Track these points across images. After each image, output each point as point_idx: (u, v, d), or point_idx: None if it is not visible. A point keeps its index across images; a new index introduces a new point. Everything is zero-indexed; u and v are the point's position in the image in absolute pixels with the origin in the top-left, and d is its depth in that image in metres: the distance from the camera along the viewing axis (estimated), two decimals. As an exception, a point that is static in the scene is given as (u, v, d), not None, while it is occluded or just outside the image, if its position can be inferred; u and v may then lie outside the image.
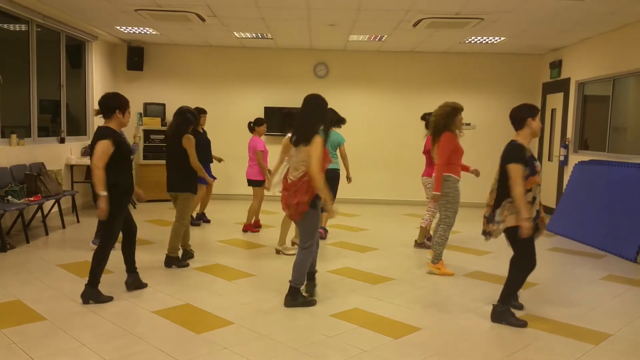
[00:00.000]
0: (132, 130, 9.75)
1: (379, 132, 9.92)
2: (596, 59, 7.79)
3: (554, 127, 9.22)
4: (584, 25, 7.17)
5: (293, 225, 5.74)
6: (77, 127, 8.66)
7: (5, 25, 6.84)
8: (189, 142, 5.09)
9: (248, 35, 8.52)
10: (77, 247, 5.93)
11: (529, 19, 6.85)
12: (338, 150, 6.49)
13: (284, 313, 4.04)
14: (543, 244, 6.76)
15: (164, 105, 9.64)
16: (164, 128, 9.33)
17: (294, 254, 5.16)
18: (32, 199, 6.15)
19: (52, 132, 7.86)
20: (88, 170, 8.47)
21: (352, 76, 9.88)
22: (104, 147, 3.99)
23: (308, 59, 9.84)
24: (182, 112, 5.19)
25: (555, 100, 9.15)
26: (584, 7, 6.18)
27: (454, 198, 5.15)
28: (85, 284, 4.15)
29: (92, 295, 4.13)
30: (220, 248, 6.10)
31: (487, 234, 4.00)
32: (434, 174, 5.12)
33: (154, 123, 9.36)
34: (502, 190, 3.87)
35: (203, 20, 7.40)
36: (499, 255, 6.05)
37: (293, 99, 9.91)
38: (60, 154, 7.77)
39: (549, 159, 9.30)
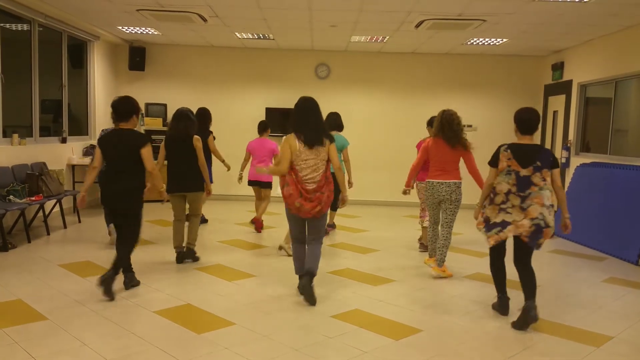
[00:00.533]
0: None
1: (379, 133, 9.92)
2: (598, 61, 7.78)
3: (555, 129, 9.21)
4: (586, 27, 7.17)
5: (285, 231, 5.68)
6: (78, 127, 8.67)
7: (8, 25, 6.85)
8: (199, 143, 5.29)
9: (250, 35, 8.53)
10: (78, 247, 5.94)
11: (531, 20, 6.85)
12: (341, 154, 6.59)
13: (284, 314, 4.04)
14: (544, 247, 6.75)
15: (165, 105, 9.65)
16: (166, 128, 9.35)
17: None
18: (33, 198, 6.15)
19: (54, 132, 7.87)
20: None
21: (353, 77, 9.88)
22: (151, 151, 4.33)
23: (309, 60, 9.84)
24: (188, 116, 5.33)
25: (557, 102, 9.14)
26: (586, 9, 6.18)
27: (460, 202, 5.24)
28: (123, 273, 4.47)
29: (133, 279, 4.53)
30: (221, 248, 6.10)
31: (539, 241, 3.88)
32: (457, 180, 5.14)
33: (156, 123, 9.37)
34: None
35: (205, 20, 7.41)
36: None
37: (294, 100, 9.82)
38: (62, 154, 7.78)
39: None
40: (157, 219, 7.83)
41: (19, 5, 6.47)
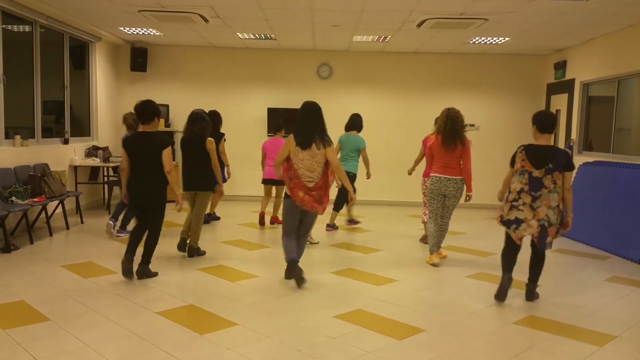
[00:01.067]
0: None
1: (382, 132, 9.90)
2: (601, 60, 7.76)
3: (558, 128, 9.18)
4: (588, 26, 7.15)
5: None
6: (80, 128, 8.68)
7: (9, 26, 6.86)
8: (212, 145, 5.56)
9: (251, 36, 8.53)
10: (80, 248, 5.95)
11: (533, 19, 6.83)
12: (359, 154, 7.01)
13: (287, 314, 4.03)
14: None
15: (167, 106, 9.65)
16: (168, 129, 9.37)
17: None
18: (35, 199, 6.16)
19: (56, 133, 7.88)
20: (92, 171, 8.50)
21: (355, 77, 9.87)
22: (171, 153, 4.61)
23: (311, 60, 9.83)
24: (202, 117, 5.61)
25: (559, 101, 9.11)
26: (588, 8, 6.16)
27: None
28: (140, 264, 4.75)
29: (147, 272, 4.78)
30: (224, 249, 6.10)
31: (547, 240, 4.21)
32: (464, 176, 5.43)
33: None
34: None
35: (206, 21, 7.41)
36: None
37: (296, 100, 9.84)
38: (64, 155, 7.79)
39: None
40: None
41: (21, 6, 6.48)
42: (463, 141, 5.35)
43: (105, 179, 8.57)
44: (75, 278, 4.80)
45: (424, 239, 6.71)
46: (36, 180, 6.36)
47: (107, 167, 8.40)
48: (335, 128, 7.83)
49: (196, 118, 5.59)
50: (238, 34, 8.35)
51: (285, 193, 4.70)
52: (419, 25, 7.30)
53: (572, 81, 8.55)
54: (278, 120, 8.02)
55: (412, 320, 3.95)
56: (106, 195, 8.74)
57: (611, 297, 4.67)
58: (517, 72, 9.75)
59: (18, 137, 6.59)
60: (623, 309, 4.36)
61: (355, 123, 7.10)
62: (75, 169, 8.03)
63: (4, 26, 6.44)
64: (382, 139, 9.89)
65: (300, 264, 4.71)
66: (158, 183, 4.63)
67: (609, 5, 5.98)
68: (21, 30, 7.03)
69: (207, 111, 7.10)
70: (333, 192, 6.72)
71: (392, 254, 6.10)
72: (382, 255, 6.05)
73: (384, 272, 5.27)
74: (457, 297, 4.59)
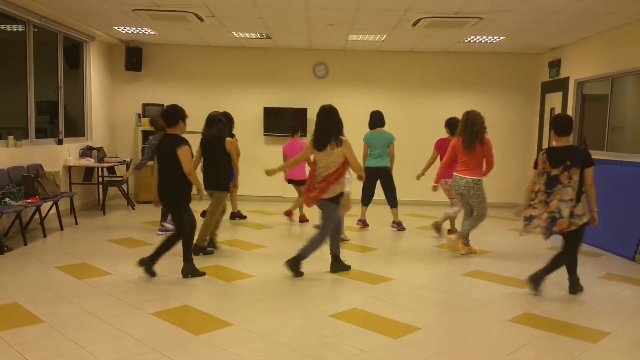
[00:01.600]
0: (130, 132, 9.75)
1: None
2: (595, 58, 7.78)
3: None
4: (582, 25, 7.17)
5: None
6: (75, 129, 8.64)
7: (2, 26, 6.82)
8: (232, 146, 5.78)
9: (247, 35, 8.51)
10: (75, 249, 5.92)
11: (527, 18, 6.84)
12: (388, 148, 7.24)
13: (283, 314, 4.03)
14: (542, 243, 6.76)
15: (162, 106, 9.59)
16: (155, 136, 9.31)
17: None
18: (29, 200, 6.12)
19: (50, 134, 7.84)
20: (86, 171, 8.46)
21: (351, 76, 9.86)
22: (189, 153, 4.75)
23: (307, 59, 9.82)
24: (220, 119, 5.77)
25: (554, 100, 9.14)
26: (582, 7, 6.17)
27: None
28: (184, 263, 4.88)
29: (192, 269, 4.89)
30: (219, 248, 6.08)
31: (551, 229, 4.46)
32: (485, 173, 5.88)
33: (153, 124, 9.32)
34: (580, 189, 4.40)
35: (201, 20, 7.38)
36: (497, 255, 6.04)
37: (292, 99, 9.91)
38: (58, 156, 7.75)
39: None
40: (156, 220, 7.81)
41: (14, 6, 6.44)
42: (482, 142, 5.73)
43: (100, 179, 8.54)
44: (69, 279, 4.78)
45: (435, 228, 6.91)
46: (30, 181, 6.33)
47: (102, 168, 8.37)
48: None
49: (214, 120, 5.77)
50: (233, 33, 8.33)
51: (336, 198, 4.96)
52: (414, 24, 7.31)
53: (567, 79, 8.57)
54: (292, 122, 8.13)
55: (408, 319, 3.95)
56: (101, 196, 8.71)
57: (605, 294, 4.68)
58: (512, 70, 9.77)
59: (11, 137, 6.55)
60: (617, 306, 4.38)
61: (380, 119, 7.31)
62: (69, 169, 7.99)
63: (-4, 26, 6.40)
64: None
65: (299, 263, 4.95)
66: (177, 183, 4.77)
67: (604, 3, 5.99)
68: (14, 30, 6.99)
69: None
70: (357, 189, 6.92)
71: (388, 253, 6.10)
72: (378, 253, 6.05)
73: (380, 271, 5.27)
74: (453, 296, 4.59)
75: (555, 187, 4.39)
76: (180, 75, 9.83)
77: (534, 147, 9.81)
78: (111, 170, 8.85)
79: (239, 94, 9.90)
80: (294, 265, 4.96)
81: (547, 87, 9.40)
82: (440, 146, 6.86)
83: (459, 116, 6.08)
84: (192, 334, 3.58)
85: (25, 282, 4.67)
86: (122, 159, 8.87)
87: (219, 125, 5.75)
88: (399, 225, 7.43)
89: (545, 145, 9.49)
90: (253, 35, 8.54)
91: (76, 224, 7.31)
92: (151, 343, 3.41)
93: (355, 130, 9.08)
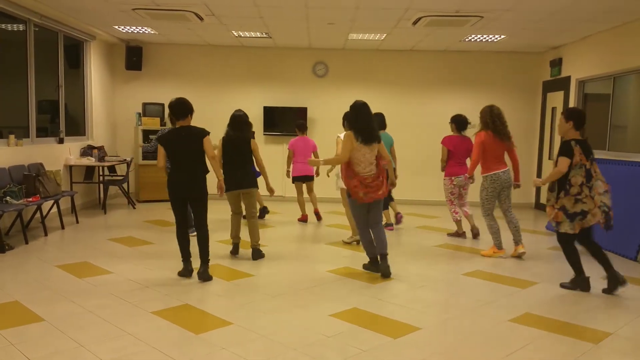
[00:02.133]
0: (131, 131, 9.75)
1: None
2: (596, 57, 7.76)
3: (554, 125, 9.19)
4: (584, 23, 7.15)
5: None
6: (75, 127, 8.65)
7: (3, 25, 6.82)
8: (257, 146, 5.77)
9: (247, 34, 8.50)
10: (75, 248, 5.92)
11: (528, 17, 6.83)
12: (390, 150, 7.13)
13: (282, 313, 4.03)
14: (543, 243, 6.75)
15: (162, 105, 9.59)
16: (163, 128, 9.31)
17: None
18: (30, 199, 6.13)
19: (51, 133, 7.85)
20: (87, 170, 8.47)
21: (351, 75, 9.85)
22: (211, 142, 4.77)
23: (307, 58, 9.81)
24: (247, 121, 5.77)
25: (555, 99, 9.12)
26: (583, 5, 6.16)
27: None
28: (201, 264, 4.79)
29: (206, 274, 4.82)
30: (219, 248, 6.07)
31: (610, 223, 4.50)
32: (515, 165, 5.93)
33: (153, 123, 9.29)
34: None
35: (201, 19, 7.38)
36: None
37: (292, 98, 9.90)
38: (59, 155, 7.76)
39: (549, 158, 9.28)
40: (157, 219, 7.81)
41: (14, 5, 6.44)
42: (509, 137, 5.83)
43: (101, 178, 8.54)
44: (70, 278, 4.78)
45: (455, 234, 6.91)
46: (31, 180, 6.33)
47: (103, 167, 8.37)
48: (333, 126, 7.86)
49: (243, 122, 5.74)
50: (233, 32, 8.32)
51: (348, 193, 4.98)
52: (415, 23, 7.29)
53: (568, 79, 8.55)
54: (300, 120, 8.11)
55: (408, 319, 3.95)
56: (101, 195, 8.71)
57: (607, 295, 4.67)
58: (513, 69, 9.75)
59: (12, 136, 6.55)
60: (618, 306, 4.37)
61: (382, 122, 7.11)
62: (70, 168, 8.00)
63: (-3, 25, 6.41)
64: (378, 137, 9.87)
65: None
66: (200, 172, 4.77)
67: (605, 2, 5.98)
68: (15, 29, 6.99)
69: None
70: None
71: (389, 252, 6.08)
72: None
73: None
74: (452, 296, 4.59)
75: (591, 181, 4.47)
76: (181, 74, 9.83)
77: (535, 147, 9.80)
78: (112, 169, 8.85)
79: (239, 93, 9.90)
80: (386, 266, 5.02)
81: (549, 87, 9.38)
82: (450, 142, 6.73)
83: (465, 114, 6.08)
84: (193, 333, 3.58)
85: (26, 280, 4.67)
86: (123, 158, 8.87)
87: (243, 126, 5.71)
88: (393, 225, 7.42)
89: (546, 145, 9.48)
90: (253, 35, 8.53)
91: (77, 222, 7.32)
92: (151, 342, 3.41)
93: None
